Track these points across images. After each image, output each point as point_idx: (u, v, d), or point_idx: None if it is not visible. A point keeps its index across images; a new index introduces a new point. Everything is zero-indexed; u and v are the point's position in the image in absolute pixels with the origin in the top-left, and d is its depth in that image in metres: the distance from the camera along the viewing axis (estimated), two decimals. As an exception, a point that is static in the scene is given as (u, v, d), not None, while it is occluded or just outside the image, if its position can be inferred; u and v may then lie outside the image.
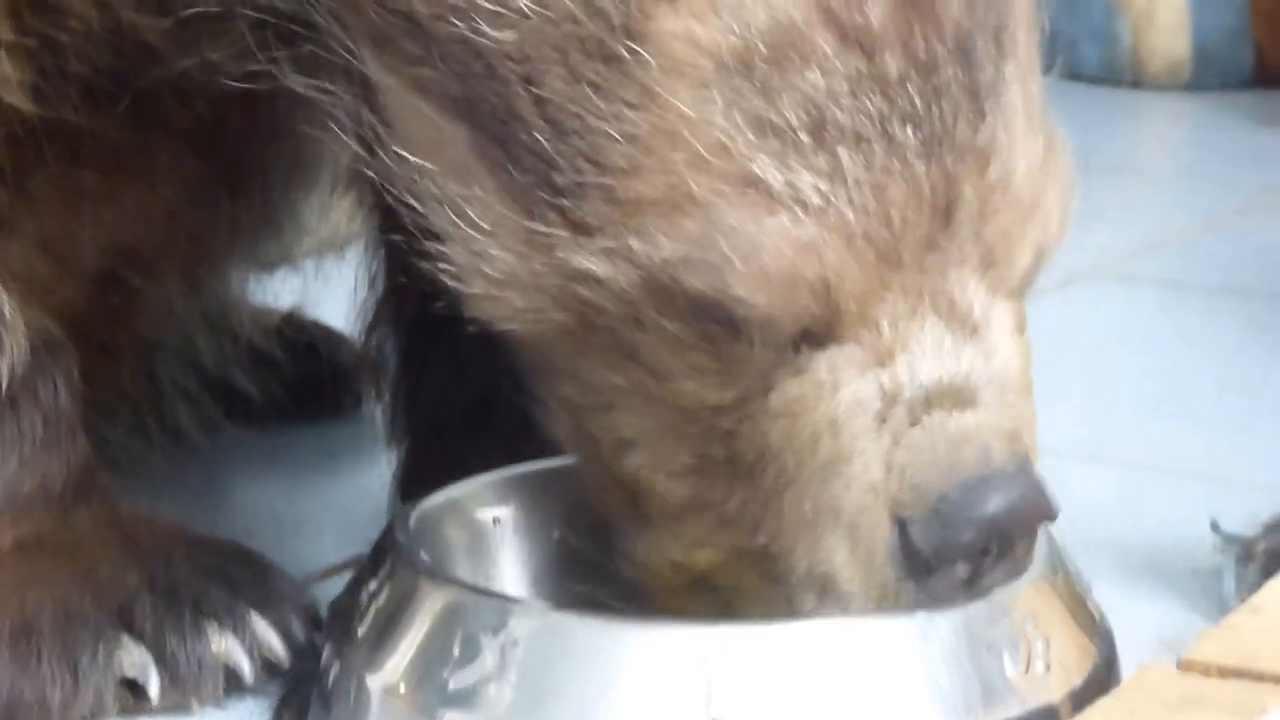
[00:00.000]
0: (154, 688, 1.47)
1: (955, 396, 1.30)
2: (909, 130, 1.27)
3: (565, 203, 1.29)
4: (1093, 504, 1.88)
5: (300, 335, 2.08)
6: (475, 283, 1.33)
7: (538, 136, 1.28)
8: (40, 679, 1.47)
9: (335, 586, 1.50)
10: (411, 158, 1.33)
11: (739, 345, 1.29)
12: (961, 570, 1.32)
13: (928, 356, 1.30)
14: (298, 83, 1.39)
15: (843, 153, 1.26)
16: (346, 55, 1.35)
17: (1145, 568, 1.74)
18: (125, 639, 1.48)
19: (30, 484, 1.53)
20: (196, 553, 1.53)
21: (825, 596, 1.33)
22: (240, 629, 1.48)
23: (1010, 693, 1.35)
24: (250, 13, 1.39)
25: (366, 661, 1.39)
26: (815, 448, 1.30)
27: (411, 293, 1.66)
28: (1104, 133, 3.52)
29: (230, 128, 1.63)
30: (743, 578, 1.36)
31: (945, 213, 1.30)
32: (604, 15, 1.26)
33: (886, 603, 1.32)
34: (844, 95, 1.26)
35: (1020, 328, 1.35)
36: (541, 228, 1.30)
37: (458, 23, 1.28)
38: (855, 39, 1.26)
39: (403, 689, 1.36)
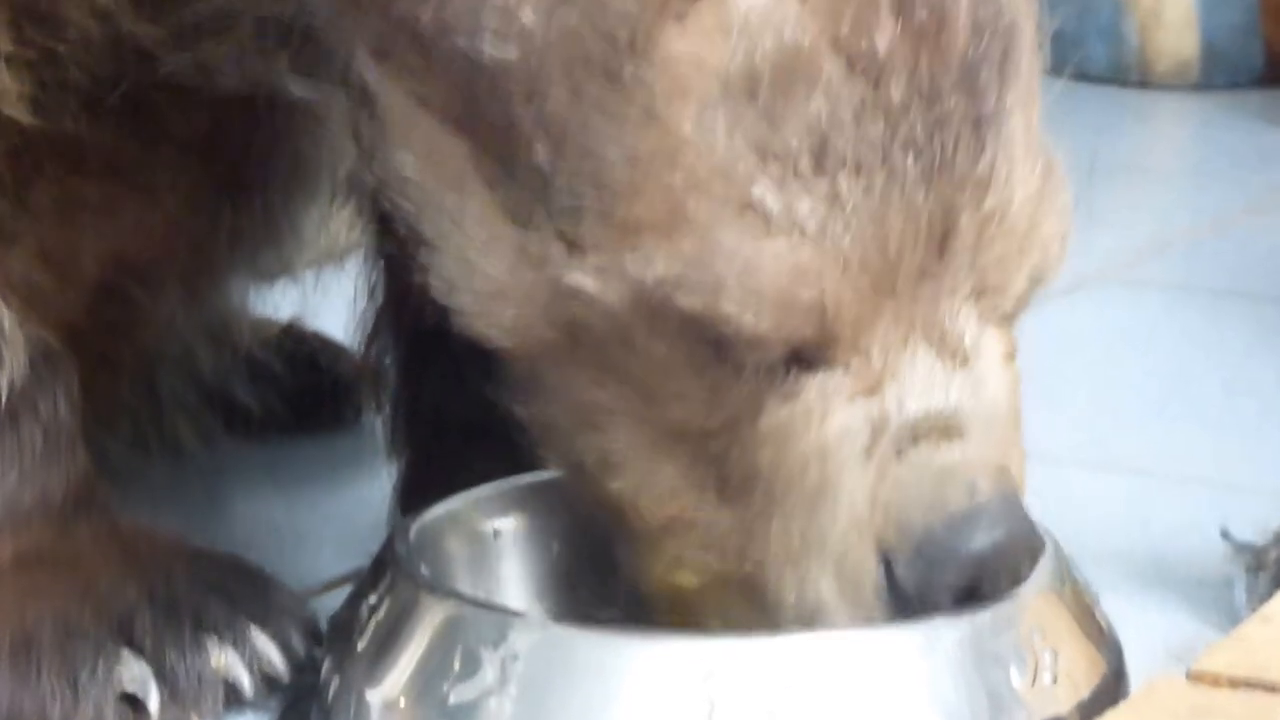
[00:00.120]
0: (154, 702, 1.46)
1: (943, 428, 1.30)
2: (909, 159, 1.27)
3: (561, 220, 1.28)
4: (1100, 512, 1.87)
5: (300, 347, 2.08)
6: (465, 294, 1.33)
7: (537, 154, 1.28)
8: (40, 693, 1.46)
9: (335, 600, 1.49)
10: (409, 169, 1.33)
11: (725, 369, 1.29)
12: (946, 605, 1.31)
13: (917, 387, 1.30)
14: (297, 91, 1.39)
15: (842, 180, 1.26)
16: (346, 65, 1.34)
17: (1154, 577, 1.73)
18: (125, 653, 1.47)
19: (30, 497, 1.52)
20: (196, 566, 1.53)
21: (813, 629, 1.33)
22: (240, 643, 1.48)
23: (1017, 705, 1.34)
24: (250, 18, 1.38)
25: (366, 676, 1.39)
26: (803, 476, 1.30)
27: (411, 304, 1.66)
28: (1111, 133, 3.52)
29: (230, 138, 1.63)
30: (729, 606, 1.35)
31: (941, 242, 1.29)
32: (610, 35, 1.26)
33: None
34: (847, 123, 1.26)
35: (1010, 356, 1.34)
36: (535, 243, 1.29)
37: (461, 37, 1.28)
38: (862, 66, 1.26)
39: (403, 703, 1.36)
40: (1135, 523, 1.86)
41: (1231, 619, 1.61)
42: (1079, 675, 1.37)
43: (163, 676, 1.46)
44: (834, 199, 1.26)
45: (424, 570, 1.44)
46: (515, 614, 1.41)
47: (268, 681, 1.49)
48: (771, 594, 1.33)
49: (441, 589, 1.41)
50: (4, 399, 1.50)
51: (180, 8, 1.42)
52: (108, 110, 1.51)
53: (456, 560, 1.53)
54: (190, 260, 1.72)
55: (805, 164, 1.26)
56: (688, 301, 1.27)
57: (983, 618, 1.34)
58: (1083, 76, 3.76)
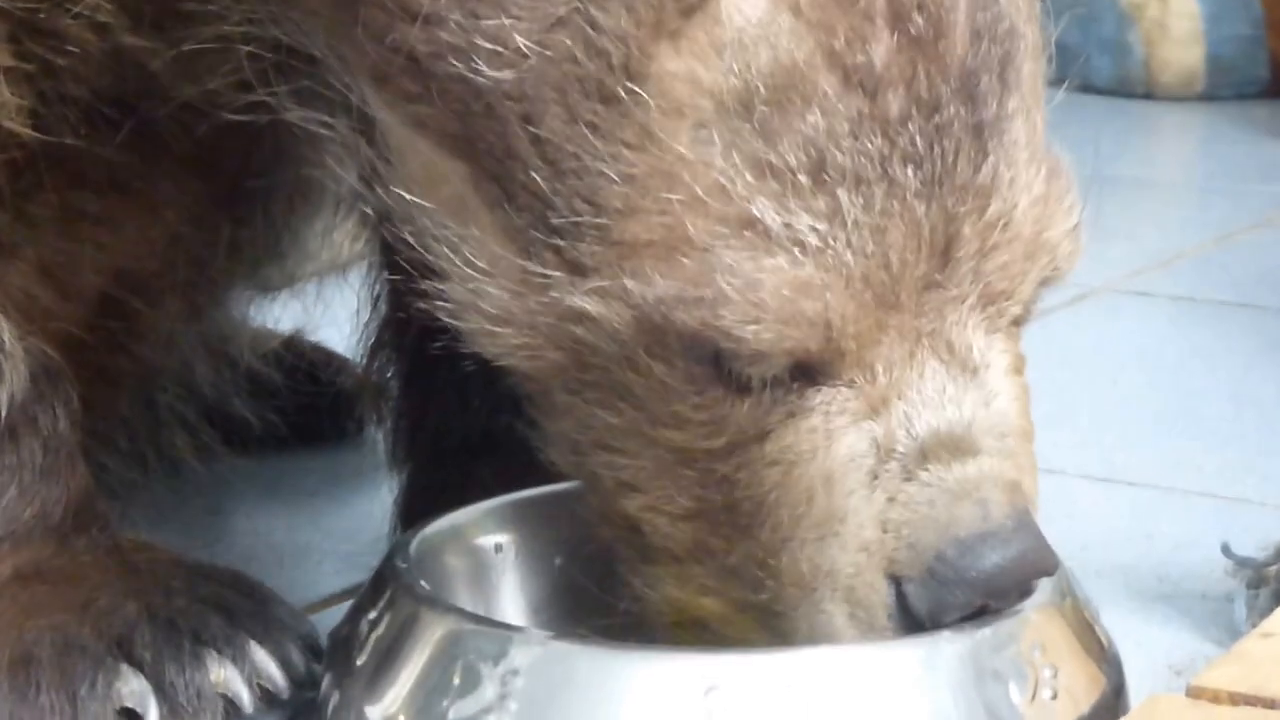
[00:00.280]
0: (153, 717, 1.46)
1: (955, 445, 1.30)
2: (909, 171, 1.27)
3: (561, 242, 1.28)
4: (1103, 525, 1.87)
5: (301, 360, 2.08)
6: (471, 319, 1.33)
7: (535, 176, 1.28)
8: (39, 709, 1.46)
9: (335, 615, 1.49)
10: (408, 194, 1.33)
11: (728, 389, 1.29)
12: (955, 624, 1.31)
13: (927, 405, 1.29)
14: (296, 115, 1.39)
15: (842, 194, 1.26)
16: (345, 91, 1.34)
17: (1155, 592, 1.72)
18: (124, 668, 1.47)
19: (29, 512, 1.52)
20: (195, 581, 1.53)
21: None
22: (239, 658, 1.48)
23: (1017, 721, 1.34)
24: (248, 46, 1.38)
25: (366, 692, 1.38)
26: (810, 505, 1.30)
27: (415, 316, 1.66)
28: (1116, 145, 3.52)
29: (231, 154, 1.62)
30: (747, 633, 1.35)
31: (944, 252, 1.29)
32: (604, 55, 1.26)
33: None
34: (845, 136, 1.26)
35: (1018, 369, 1.34)
36: (537, 267, 1.29)
37: (457, 62, 1.28)
38: (858, 80, 1.26)
39: (402, 719, 1.35)
40: (1138, 537, 1.86)
41: (1232, 635, 1.61)
42: (1079, 691, 1.37)
43: (162, 692, 1.46)
44: (834, 213, 1.26)
45: (424, 585, 1.43)
46: (515, 629, 1.41)
47: (267, 697, 1.49)
48: (787, 622, 1.33)
49: (442, 604, 1.41)
50: (3, 413, 1.50)
51: (179, 26, 1.42)
52: (108, 125, 1.51)
53: (457, 575, 1.53)
54: (190, 274, 1.72)
55: (804, 179, 1.26)
56: (688, 318, 1.27)
57: (983, 634, 1.33)
58: (1088, 88, 3.77)
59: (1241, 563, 1.68)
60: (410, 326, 1.73)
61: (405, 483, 1.77)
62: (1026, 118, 1.32)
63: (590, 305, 1.28)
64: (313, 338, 2.12)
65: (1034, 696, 1.35)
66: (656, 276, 1.27)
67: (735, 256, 1.26)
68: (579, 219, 1.28)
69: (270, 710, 1.49)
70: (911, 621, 1.31)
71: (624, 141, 1.27)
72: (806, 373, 1.29)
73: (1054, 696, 1.35)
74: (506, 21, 1.26)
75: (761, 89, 1.26)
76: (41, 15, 1.44)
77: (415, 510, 1.71)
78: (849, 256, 1.26)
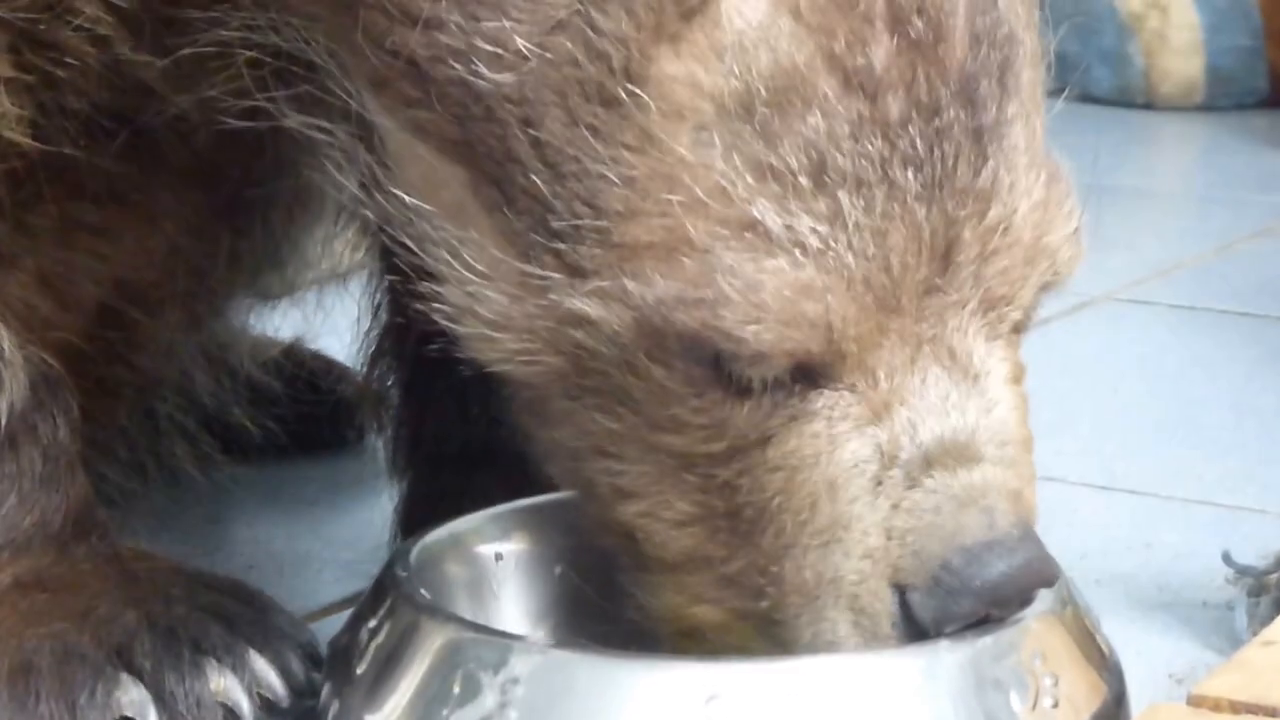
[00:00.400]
0: (152, 726, 1.46)
1: (959, 453, 1.30)
2: (910, 173, 1.27)
3: (561, 245, 1.28)
4: (1103, 534, 1.87)
5: (300, 369, 2.08)
6: (469, 324, 1.33)
7: (535, 179, 1.28)
8: (39, 717, 1.46)
9: (335, 624, 1.49)
10: (408, 198, 1.33)
11: (728, 391, 1.28)
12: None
13: (930, 412, 1.29)
14: (295, 122, 1.39)
15: (843, 196, 1.26)
16: (344, 96, 1.34)
17: (1156, 601, 1.72)
18: (124, 677, 1.46)
19: (29, 521, 1.52)
20: (195, 590, 1.52)
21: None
22: (239, 667, 1.47)
23: (1018, 730, 1.33)
24: (248, 52, 1.38)
25: (366, 701, 1.38)
26: (814, 512, 1.30)
27: (415, 324, 1.66)
28: (1117, 155, 3.52)
29: (230, 165, 1.62)
30: (746, 642, 1.35)
31: (944, 256, 1.29)
32: (605, 58, 1.26)
33: None
34: (845, 139, 1.26)
35: (1017, 377, 1.34)
36: (536, 270, 1.29)
37: (456, 65, 1.28)
38: (858, 82, 1.26)
39: (402, 729, 1.36)
40: (1138, 545, 1.86)
41: (1233, 643, 1.61)
42: (1080, 700, 1.37)
43: (161, 701, 1.46)
44: (835, 216, 1.26)
45: (424, 594, 1.43)
46: (516, 638, 1.41)
47: (267, 706, 1.48)
48: (787, 631, 1.33)
49: (442, 613, 1.41)
50: (3, 422, 1.49)
51: (178, 37, 1.42)
52: (107, 136, 1.51)
53: (457, 584, 1.53)
54: (189, 284, 1.72)
55: (805, 181, 1.26)
56: (689, 319, 1.26)
57: (984, 642, 1.33)
58: (1088, 98, 3.77)
59: (1242, 571, 1.68)
60: (410, 335, 1.73)
61: (405, 491, 1.77)
62: (1026, 123, 1.32)
63: (590, 308, 1.28)
64: (313, 346, 2.12)
65: (1035, 705, 1.34)
66: (657, 278, 1.27)
67: (736, 258, 1.26)
68: (579, 222, 1.28)
69: (270, 719, 1.49)
70: (914, 630, 1.30)
71: (624, 144, 1.27)
72: (807, 375, 1.29)
73: (1055, 705, 1.35)
74: (506, 24, 1.26)
75: (762, 91, 1.26)
76: (42, 26, 1.44)
77: (415, 518, 1.71)
78: (850, 259, 1.26)
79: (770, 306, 1.25)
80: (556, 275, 1.29)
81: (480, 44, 1.27)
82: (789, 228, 1.26)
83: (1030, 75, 1.34)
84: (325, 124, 1.37)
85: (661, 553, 1.35)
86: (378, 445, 1.86)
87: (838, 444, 1.29)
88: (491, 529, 1.56)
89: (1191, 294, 2.71)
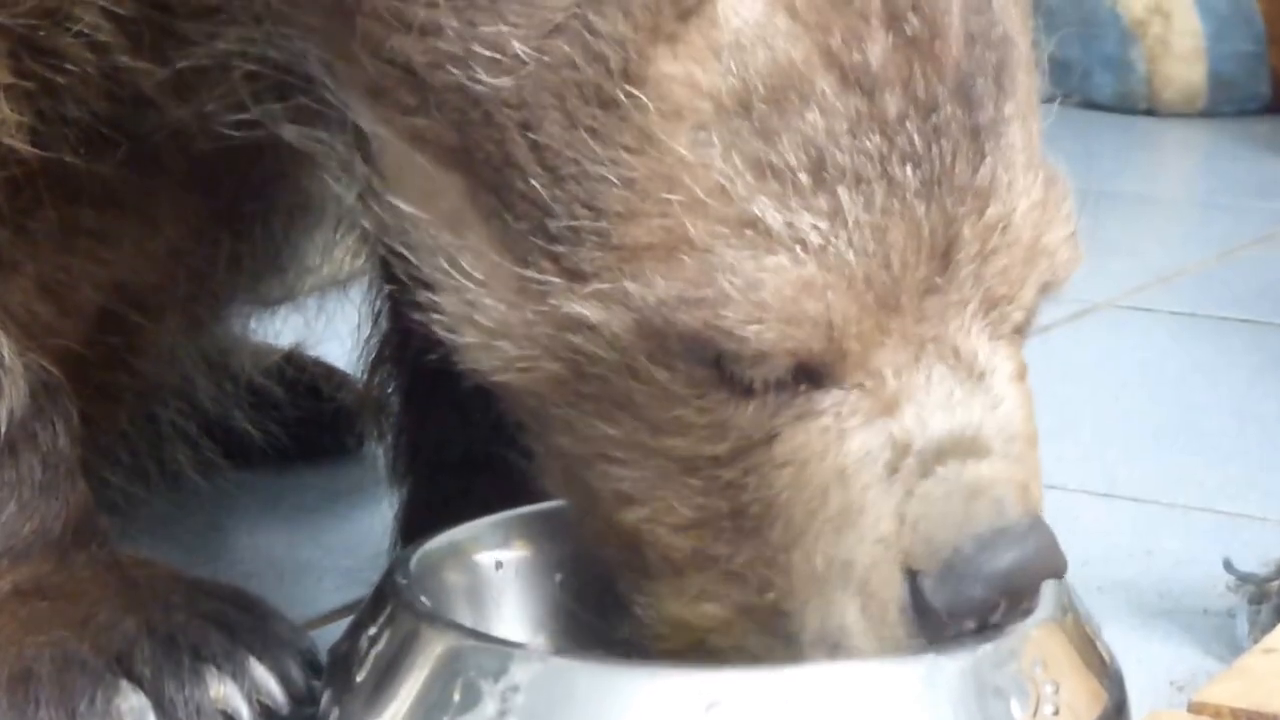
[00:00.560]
0: (152, 734, 1.46)
1: (967, 447, 1.30)
2: (909, 170, 1.27)
3: (560, 249, 1.28)
4: (1104, 541, 1.87)
5: (301, 375, 2.08)
6: (467, 332, 1.33)
7: (534, 183, 1.28)
8: (38, 725, 1.46)
9: (335, 631, 1.49)
10: (405, 208, 1.33)
11: (731, 392, 1.28)
12: (970, 624, 1.31)
13: (938, 407, 1.29)
14: (292, 134, 1.39)
15: (843, 193, 1.26)
16: (341, 107, 1.34)
17: (1157, 608, 1.72)
18: (124, 685, 1.46)
19: (29, 528, 1.52)
20: (195, 597, 1.52)
21: (836, 655, 1.32)
22: (239, 675, 1.47)
23: (1019, 737, 1.33)
24: (244, 64, 1.38)
25: (366, 708, 1.38)
26: (824, 500, 1.30)
27: (416, 331, 1.66)
28: (1119, 161, 3.52)
29: (230, 172, 1.62)
30: (747, 637, 1.35)
31: (944, 255, 1.29)
32: (602, 60, 1.26)
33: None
34: (843, 136, 1.26)
35: (1021, 376, 1.34)
36: (535, 275, 1.29)
37: (454, 70, 1.28)
38: (855, 79, 1.26)
39: (402, 736, 1.35)
40: (1139, 552, 1.86)
41: (1234, 650, 1.61)
42: (1081, 707, 1.36)
43: (161, 708, 1.46)
44: (835, 213, 1.26)
45: (424, 602, 1.43)
46: (516, 646, 1.40)
47: (266, 713, 1.48)
48: (795, 622, 1.33)
49: (442, 621, 1.40)
50: (3, 429, 1.49)
51: (177, 47, 1.42)
52: (106, 143, 1.51)
53: (457, 591, 1.53)
54: (190, 289, 1.72)
55: (804, 178, 1.26)
56: (690, 319, 1.26)
57: (984, 650, 1.33)
58: (1090, 104, 3.77)
59: (1243, 578, 1.68)
60: (411, 342, 1.73)
61: (406, 498, 1.77)
62: (1023, 124, 1.32)
63: (589, 311, 1.28)
64: (314, 352, 2.12)
65: (1036, 712, 1.34)
66: (657, 279, 1.27)
67: (736, 256, 1.26)
68: (578, 224, 1.28)
69: (270, 727, 1.49)
70: (922, 618, 1.30)
71: (623, 145, 1.27)
72: (809, 374, 1.29)
73: (1056, 712, 1.35)
74: (504, 29, 1.27)
75: (760, 89, 1.26)
76: (42, 33, 1.44)
77: (415, 526, 1.70)
78: (850, 256, 1.26)
79: (771, 305, 1.25)
80: (555, 280, 1.29)
81: (478, 49, 1.27)
82: (789, 225, 1.26)
83: (1026, 79, 1.34)
84: (322, 135, 1.38)
85: (665, 556, 1.35)
86: (378, 452, 1.86)
87: (847, 436, 1.29)
88: (492, 536, 1.56)
89: (1193, 300, 2.71)
